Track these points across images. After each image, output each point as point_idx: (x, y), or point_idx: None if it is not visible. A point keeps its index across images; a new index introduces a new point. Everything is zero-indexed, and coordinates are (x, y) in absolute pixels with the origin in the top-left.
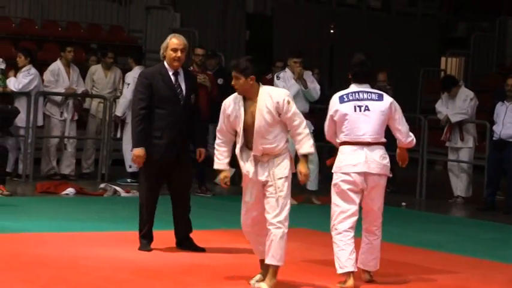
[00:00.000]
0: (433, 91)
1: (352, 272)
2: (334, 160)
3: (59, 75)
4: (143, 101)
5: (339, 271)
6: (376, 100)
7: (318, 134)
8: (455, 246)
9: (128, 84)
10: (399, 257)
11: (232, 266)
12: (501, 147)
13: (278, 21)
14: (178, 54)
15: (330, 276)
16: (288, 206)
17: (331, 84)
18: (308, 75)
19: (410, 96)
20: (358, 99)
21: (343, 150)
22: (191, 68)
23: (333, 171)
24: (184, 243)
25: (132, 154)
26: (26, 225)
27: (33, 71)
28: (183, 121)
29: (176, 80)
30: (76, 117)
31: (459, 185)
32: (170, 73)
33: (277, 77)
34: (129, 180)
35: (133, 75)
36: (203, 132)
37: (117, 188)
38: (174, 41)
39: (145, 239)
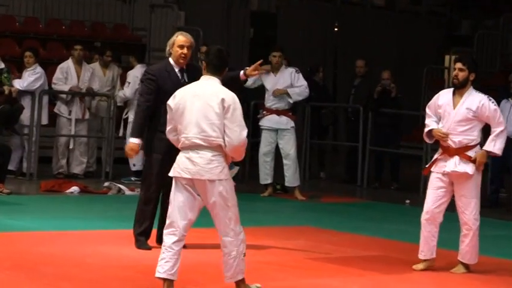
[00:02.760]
0: (436, 89)
1: None
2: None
3: (68, 73)
4: (147, 94)
5: None
6: None
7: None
8: None
9: (129, 82)
10: (404, 255)
11: None
12: (505, 145)
13: (282, 19)
14: (185, 51)
15: (334, 274)
16: None
17: (335, 83)
18: (291, 73)
19: (414, 93)
20: None
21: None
22: None
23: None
24: None
25: (127, 145)
26: (30, 223)
27: (39, 69)
28: None
29: (182, 76)
30: (87, 117)
31: None
32: (176, 70)
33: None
34: (133, 178)
35: (134, 73)
36: None
37: (122, 187)
38: (181, 38)
39: (144, 236)
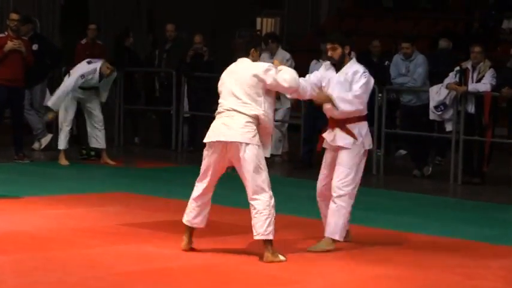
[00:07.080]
0: None
1: None
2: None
3: None
4: None
5: None
6: None
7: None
8: None
9: None
10: (218, 217)
11: (51, 231)
12: (316, 106)
13: None
14: None
15: (147, 239)
16: None
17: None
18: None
19: (231, 57)
20: None
21: None
22: (5, 33)
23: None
24: None
25: None
26: None
27: None
28: None
29: None
30: None
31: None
32: None
33: None
34: None
35: None
36: None
37: None
38: None
39: None
